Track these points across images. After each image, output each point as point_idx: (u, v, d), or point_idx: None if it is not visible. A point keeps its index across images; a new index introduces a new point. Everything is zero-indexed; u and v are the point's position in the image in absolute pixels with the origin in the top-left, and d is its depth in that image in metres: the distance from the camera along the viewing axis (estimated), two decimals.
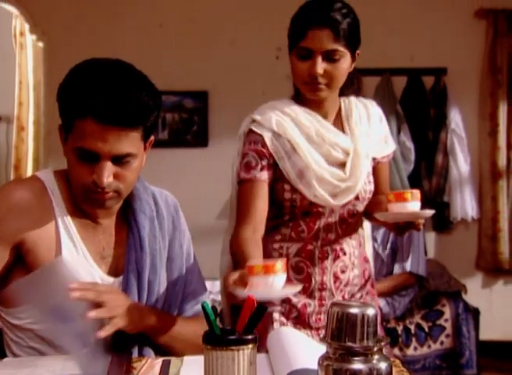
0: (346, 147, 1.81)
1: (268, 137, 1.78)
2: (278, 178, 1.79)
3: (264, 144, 1.78)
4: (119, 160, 1.33)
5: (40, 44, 4.62)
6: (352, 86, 1.90)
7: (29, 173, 4.78)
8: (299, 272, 1.83)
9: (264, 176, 1.76)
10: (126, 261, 1.45)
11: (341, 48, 1.71)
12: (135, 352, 1.42)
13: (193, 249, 1.62)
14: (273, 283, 1.28)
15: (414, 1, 4.61)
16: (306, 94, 1.79)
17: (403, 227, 1.69)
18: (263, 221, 1.75)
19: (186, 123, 4.77)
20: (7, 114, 4.91)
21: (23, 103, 4.76)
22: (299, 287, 1.48)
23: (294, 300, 1.82)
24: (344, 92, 1.89)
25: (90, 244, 1.42)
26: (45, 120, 4.65)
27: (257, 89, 4.43)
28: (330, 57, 1.71)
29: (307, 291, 1.83)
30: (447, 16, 4.57)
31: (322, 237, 1.82)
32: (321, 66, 1.71)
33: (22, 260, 1.37)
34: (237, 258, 1.63)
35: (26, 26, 4.63)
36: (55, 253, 1.36)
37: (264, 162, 1.77)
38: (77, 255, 1.39)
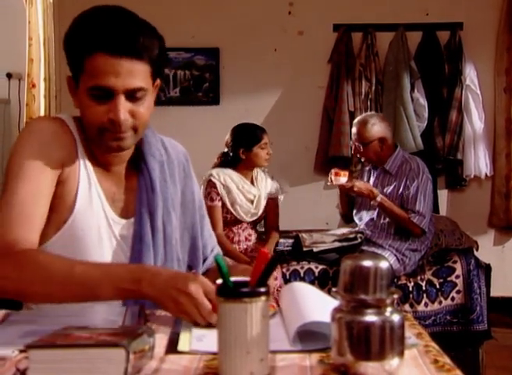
0: None
1: None
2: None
3: None
4: (132, 95, 1.35)
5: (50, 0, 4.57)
6: None
7: None
8: None
9: None
10: (137, 202, 1.47)
11: None
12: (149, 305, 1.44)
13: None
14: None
15: None
16: None
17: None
18: None
19: (197, 81, 4.74)
20: (18, 71, 4.88)
21: (33, 60, 4.72)
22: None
23: None
24: None
25: (103, 186, 1.45)
26: (56, 77, 4.63)
27: (269, 45, 4.32)
28: None
29: None
30: None
31: None
32: None
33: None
34: None
35: None
36: (73, 189, 1.40)
37: None
38: (91, 194, 1.42)
